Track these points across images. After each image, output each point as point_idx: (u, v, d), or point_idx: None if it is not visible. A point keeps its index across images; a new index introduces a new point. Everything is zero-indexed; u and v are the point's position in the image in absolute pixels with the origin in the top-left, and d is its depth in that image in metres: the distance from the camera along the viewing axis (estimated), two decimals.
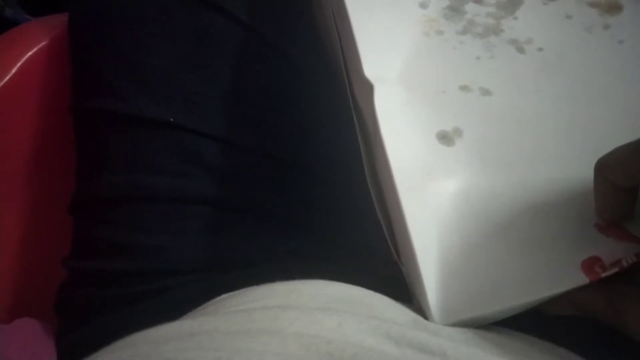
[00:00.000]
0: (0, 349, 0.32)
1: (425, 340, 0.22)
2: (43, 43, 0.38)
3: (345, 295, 0.27)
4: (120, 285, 0.35)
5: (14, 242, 0.39)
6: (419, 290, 0.25)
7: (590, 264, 0.24)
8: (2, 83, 0.37)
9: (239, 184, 0.36)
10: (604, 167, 0.24)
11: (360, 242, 0.39)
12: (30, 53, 0.38)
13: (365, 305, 0.26)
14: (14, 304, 0.39)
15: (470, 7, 0.34)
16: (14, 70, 0.37)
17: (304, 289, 0.28)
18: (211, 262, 0.35)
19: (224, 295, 0.30)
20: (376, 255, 0.39)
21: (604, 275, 0.24)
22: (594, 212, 0.25)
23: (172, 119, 0.35)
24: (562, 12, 0.33)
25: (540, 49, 0.32)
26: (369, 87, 0.29)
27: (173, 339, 0.23)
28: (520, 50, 0.32)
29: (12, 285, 0.39)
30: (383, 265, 0.36)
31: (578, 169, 0.27)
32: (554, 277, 0.24)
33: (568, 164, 0.27)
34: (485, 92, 0.30)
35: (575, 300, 0.25)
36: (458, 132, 0.28)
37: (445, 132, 0.28)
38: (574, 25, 0.33)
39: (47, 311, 0.37)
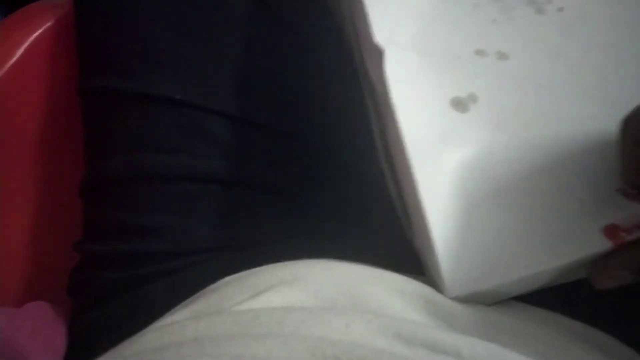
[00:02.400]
0: (12, 333, 0.31)
1: (439, 338, 0.21)
2: (48, 24, 0.37)
3: (354, 284, 0.25)
4: (132, 267, 0.33)
5: (25, 227, 0.38)
6: (431, 261, 0.23)
7: (613, 229, 0.22)
8: (8, 66, 0.35)
9: (249, 161, 0.34)
10: (631, 123, 0.21)
11: (373, 220, 0.37)
12: (35, 34, 0.36)
13: (375, 296, 0.25)
14: (26, 289, 0.38)
15: None
16: (20, 52, 0.36)
17: (308, 277, 0.26)
18: (222, 241, 0.34)
19: (226, 279, 0.28)
20: (389, 232, 0.37)
21: (629, 238, 0.22)
22: (620, 178, 0.23)
23: (179, 96, 0.33)
24: None
25: (560, 9, 0.29)
26: (378, 53, 0.27)
27: (174, 345, 0.21)
28: (540, 11, 0.29)
29: (24, 270, 0.38)
30: (396, 242, 0.35)
31: (599, 134, 0.24)
32: (575, 243, 0.22)
33: (588, 128, 0.25)
34: (503, 56, 0.28)
35: (631, 263, 0.22)
36: (473, 98, 0.26)
37: (459, 98, 0.26)
38: None
39: (59, 295, 0.36)
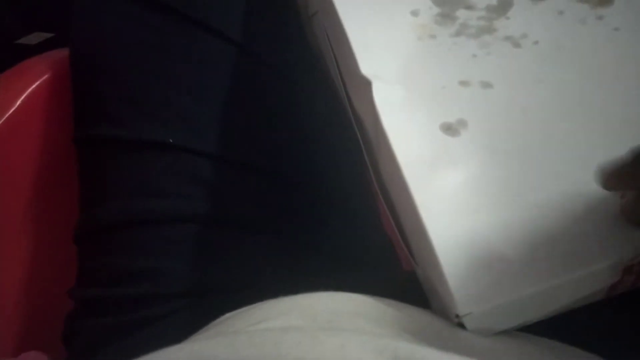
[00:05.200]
0: None
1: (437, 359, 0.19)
2: (45, 77, 0.36)
3: (351, 307, 0.24)
4: (125, 312, 0.31)
5: (20, 275, 0.36)
6: (440, 283, 0.21)
7: None
8: (5, 117, 0.34)
9: (240, 202, 0.33)
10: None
11: (370, 255, 0.36)
12: (32, 87, 0.35)
13: (371, 318, 0.23)
14: (21, 337, 0.35)
15: (461, 13, 0.32)
16: (17, 103, 0.35)
17: (307, 304, 0.25)
18: (216, 282, 0.32)
19: (227, 315, 0.27)
20: (387, 267, 0.35)
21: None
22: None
23: (170, 140, 0.32)
24: (554, 8, 0.31)
25: (536, 42, 0.29)
26: (366, 85, 0.26)
27: None
28: (517, 45, 0.29)
29: (19, 318, 0.36)
30: (394, 277, 0.33)
31: (588, 149, 0.24)
32: (581, 256, 0.21)
33: (576, 142, 0.24)
34: (486, 85, 0.27)
35: None
36: (462, 123, 0.25)
37: (449, 124, 0.25)
38: (567, 19, 0.30)
39: (55, 343, 0.33)
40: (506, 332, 0.23)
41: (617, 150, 0.24)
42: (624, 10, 0.29)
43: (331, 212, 0.35)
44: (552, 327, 0.24)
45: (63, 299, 0.33)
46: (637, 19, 0.29)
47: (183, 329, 0.27)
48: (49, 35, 0.43)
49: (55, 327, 0.33)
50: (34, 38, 0.44)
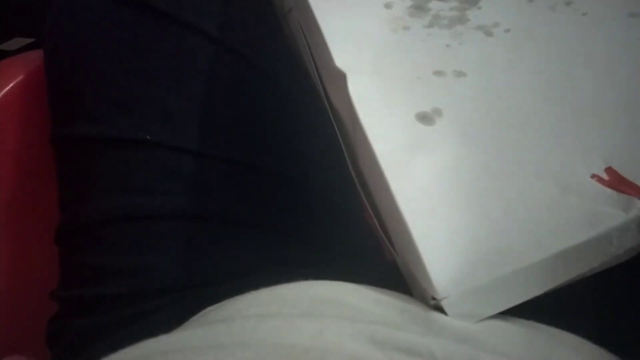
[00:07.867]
0: None
1: (412, 341, 0.19)
2: (19, 78, 0.34)
3: (330, 294, 0.24)
4: (109, 311, 0.30)
5: (0, 279, 0.34)
6: (417, 268, 0.21)
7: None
8: None
9: (220, 196, 0.32)
10: None
11: (352, 247, 0.35)
12: (7, 88, 0.33)
13: (350, 304, 0.23)
14: (4, 341, 0.34)
15: (433, 4, 0.31)
16: None
17: (287, 294, 0.24)
18: (199, 277, 0.31)
19: (209, 308, 0.26)
20: (369, 258, 0.34)
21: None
22: None
23: (148, 137, 0.31)
24: None
25: (507, 30, 0.28)
26: (341, 77, 0.26)
27: (141, 357, 0.18)
28: (489, 33, 0.28)
29: (1, 321, 0.34)
30: (376, 267, 0.32)
31: (563, 132, 0.23)
32: (559, 233, 0.20)
33: (552, 129, 0.24)
34: (460, 74, 0.26)
35: None
36: (437, 112, 0.25)
37: (424, 113, 0.24)
38: (536, 6, 0.29)
39: (38, 347, 0.32)
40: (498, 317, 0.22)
41: (590, 132, 0.24)
42: None
43: (314, 205, 0.34)
44: (533, 305, 0.24)
45: (46, 302, 0.32)
46: (603, 3, 0.29)
47: (169, 325, 0.26)
48: (29, 40, 0.42)
49: (38, 330, 0.32)
50: (14, 43, 0.42)
